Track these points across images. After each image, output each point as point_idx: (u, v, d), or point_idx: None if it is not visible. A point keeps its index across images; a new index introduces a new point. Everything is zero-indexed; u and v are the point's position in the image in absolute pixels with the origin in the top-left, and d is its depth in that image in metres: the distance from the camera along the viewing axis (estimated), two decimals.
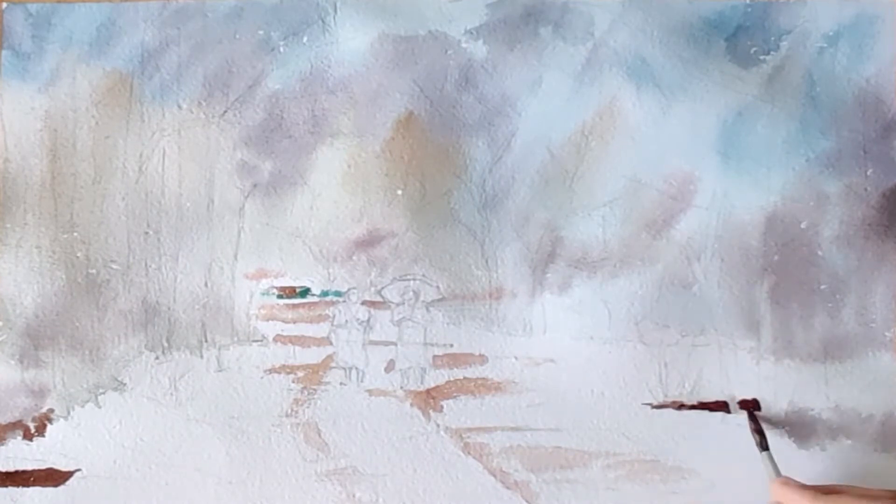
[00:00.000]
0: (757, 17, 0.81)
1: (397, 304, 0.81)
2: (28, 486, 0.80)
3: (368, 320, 0.82)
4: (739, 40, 0.81)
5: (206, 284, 0.82)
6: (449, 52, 0.82)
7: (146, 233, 0.82)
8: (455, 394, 0.80)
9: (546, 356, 0.80)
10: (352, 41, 0.83)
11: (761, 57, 0.81)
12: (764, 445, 0.74)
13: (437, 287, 0.81)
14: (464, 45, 0.82)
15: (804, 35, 0.81)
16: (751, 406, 0.78)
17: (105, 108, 0.83)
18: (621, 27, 0.81)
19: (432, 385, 0.80)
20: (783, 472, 0.71)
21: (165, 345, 0.81)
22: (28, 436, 0.81)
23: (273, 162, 0.82)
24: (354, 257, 0.82)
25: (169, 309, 0.82)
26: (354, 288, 0.81)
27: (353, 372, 0.81)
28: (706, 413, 0.78)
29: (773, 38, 0.81)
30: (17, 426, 0.81)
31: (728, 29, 0.81)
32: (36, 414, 0.81)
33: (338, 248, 0.82)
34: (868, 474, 0.76)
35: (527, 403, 0.79)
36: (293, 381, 0.81)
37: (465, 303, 0.81)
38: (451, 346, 0.80)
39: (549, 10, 0.82)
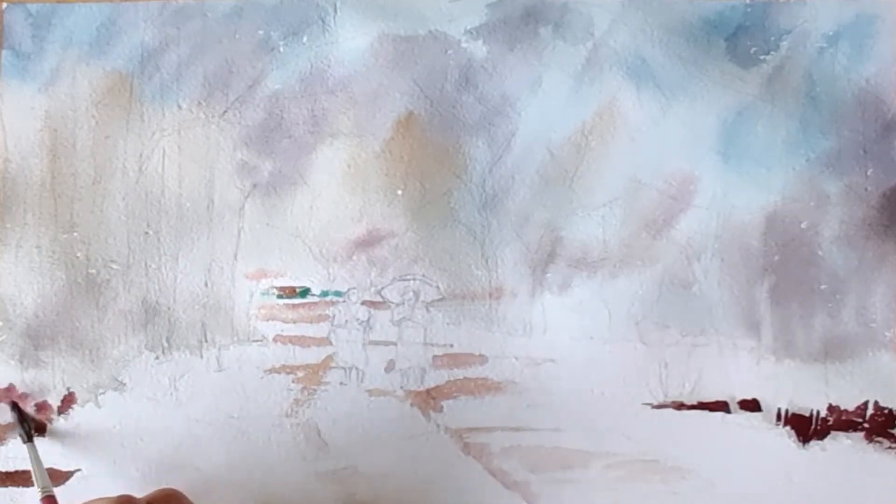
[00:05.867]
0: (757, 17, 0.81)
1: (397, 304, 0.81)
2: (28, 486, 0.80)
3: (368, 320, 0.82)
4: (739, 40, 0.81)
5: (206, 284, 0.82)
6: (449, 52, 0.82)
7: (146, 233, 0.82)
8: (455, 394, 0.80)
9: (546, 356, 0.80)
10: (352, 41, 0.83)
11: (761, 57, 0.81)
12: (29, 437, 0.76)
13: (437, 287, 0.81)
14: (464, 45, 0.82)
15: (804, 35, 0.81)
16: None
17: (105, 108, 0.83)
18: (621, 27, 0.81)
19: (432, 385, 0.80)
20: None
21: (165, 345, 0.81)
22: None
23: (273, 162, 0.82)
24: (354, 257, 0.82)
25: (169, 309, 0.82)
26: (354, 288, 0.81)
27: (353, 372, 0.81)
28: (706, 413, 0.78)
29: (773, 38, 0.81)
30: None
31: (728, 29, 0.81)
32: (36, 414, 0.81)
33: (338, 248, 0.82)
34: (868, 474, 0.76)
35: (527, 403, 0.79)
36: (293, 381, 0.81)
37: (465, 303, 0.81)
38: (451, 346, 0.80)
39: (549, 10, 0.82)
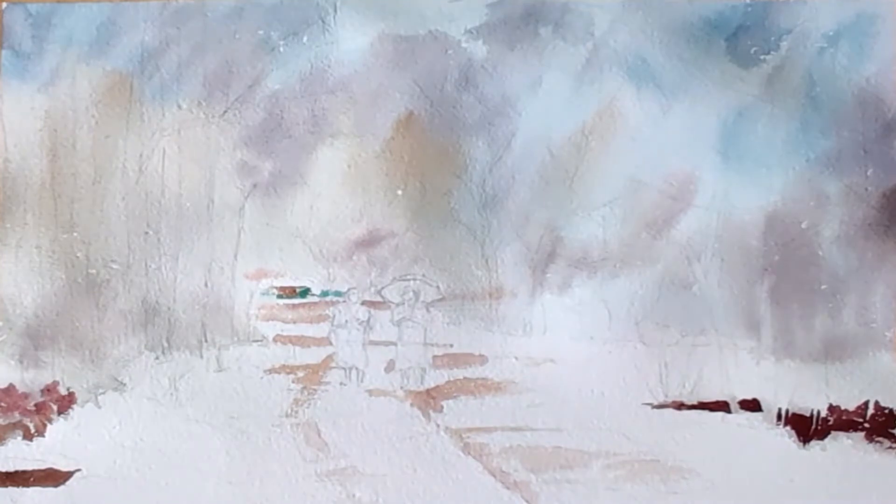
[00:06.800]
0: (757, 17, 0.81)
1: (397, 304, 0.81)
2: (28, 486, 0.80)
3: (368, 320, 0.82)
4: (739, 40, 0.81)
5: (206, 284, 0.82)
6: (449, 52, 0.82)
7: (146, 233, 0.82)
8: (455, 394, 0.80)
9: (546, 356, 0.80)
10: (352, 41, 0.83)
11: (761, 57, 0.81)
12: None
13: (437, 287, 0.81)
14: (464, 45, 0.82)
15: (804, 35, 0.81)
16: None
17: (105, 108, 0.83)
18: (621, 27, 0.81)
19: (432, 385, 0.80)
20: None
21: (165, 345, 0.81)
22: (28, 436, 0.81)
23: (273, 162, 0.82)
24: (354, 257, 0.82)
25: (169, 309, 0.82)
26: (354, 288, 0.81)
27: (353, 372, 0.81)
28: (706, 413, 0.78)
29: (773, 38, 0.81)
30: (17, 426, 0.81)
31: (728, 29, 0.81)
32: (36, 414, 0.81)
33: (338, 248, 0.82)
34: (868, 473, 0.76)
35: (527, 403, 0.79)
36: (293, 381, 0.81)
37: (465, 303, 0.81)
38: (451, 346, 0.80)
39: (549, 10, 0.82)
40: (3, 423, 0.81)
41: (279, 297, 0.81)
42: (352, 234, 0.82)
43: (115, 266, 0.82)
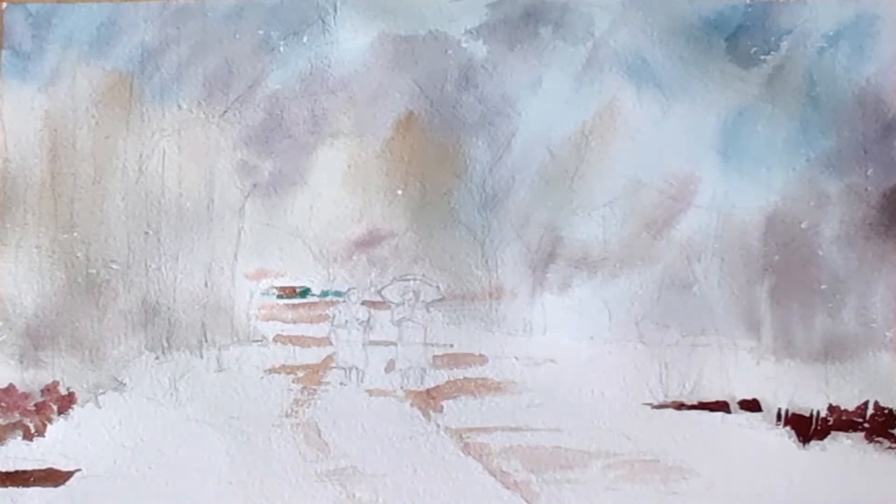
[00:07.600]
0: (757, 17, 0.81)
1: (397, 304, 0.81)
2: (28, 486, 0.80)
3: (368, 320, 0.82)
4: (739, 40, 0.81)
5: (206, 284, 0.82)
6: (449, 52, 0.82)
7: (146, 233, 0.82)
8: (455, 394, 0.80)
9: (546, 356, 0.80)
10: (352, 41, 0.83)
11: (761, 57, 0.81)
12: None
13: (437, 287, 0.81)
14: (464, 45, 0.82)
15: (804, 35, 0.81)
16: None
17: (105, 108, 0.83)
18: (621, 27, 0.81)
19: (432, 385, 0.80)
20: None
21: (165, 345, 0.81)
22: (28, 436, 0.81)
23: (273, 162, 0.82)
24: (354, 257, 0.82)
25: (169, 309, 0.82)
26: (354, 288, 0.81)
27: (353, 372, 0.81)
28: (706, 413, 0.78)
29: (773, 38, 0.81)
30: (17, 426, 0.81)
31: (728, 29, 0.81)
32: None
33: (338, 248, 0.82)
34: (867, 473, 0.76)
35: (527, 403, 0.79)
36: (293, 381, 0.81)
37: (465, 303, 0.81)
38: (451, 346, 0.80)
39: (549, 10, 0.82)
40: (3, 423, 0.81)
41: (279, 297, 0.81)
42: (352, 234, 0.82)
43: (115, 266, 0.82)
